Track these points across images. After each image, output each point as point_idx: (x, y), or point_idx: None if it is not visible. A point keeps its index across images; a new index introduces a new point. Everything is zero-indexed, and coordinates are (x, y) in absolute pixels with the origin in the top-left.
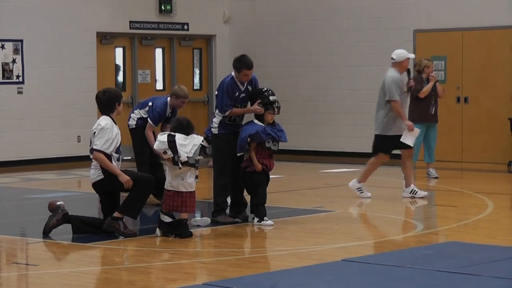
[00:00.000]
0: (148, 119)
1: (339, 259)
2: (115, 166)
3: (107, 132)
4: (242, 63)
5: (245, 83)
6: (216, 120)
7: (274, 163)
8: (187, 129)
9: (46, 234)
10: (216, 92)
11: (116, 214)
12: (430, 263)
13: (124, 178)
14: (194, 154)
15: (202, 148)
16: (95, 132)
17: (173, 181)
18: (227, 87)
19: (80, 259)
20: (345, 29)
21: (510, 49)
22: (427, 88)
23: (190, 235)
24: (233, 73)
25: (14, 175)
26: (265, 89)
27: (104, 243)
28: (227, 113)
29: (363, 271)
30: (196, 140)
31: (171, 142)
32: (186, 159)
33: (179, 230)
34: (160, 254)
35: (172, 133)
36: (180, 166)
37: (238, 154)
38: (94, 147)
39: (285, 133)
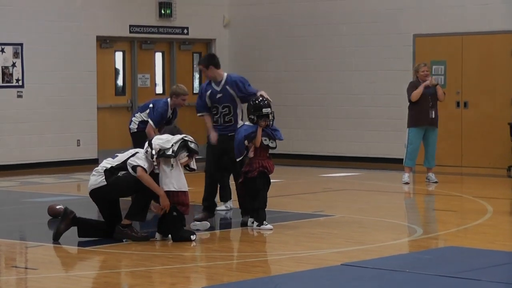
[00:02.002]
0: (149, 119)
1: (338, 264)
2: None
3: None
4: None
5: (221, 83)
6: None
7: (274, 166)
8: (174, 134)
9: (56, 239)
10: None
11: (124, 221)
12: (429, 268)
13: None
14: (171, 146)
15: (183, 142)
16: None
17: (164, 180)
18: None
19: (79, 263)
20: (345, 33)
21: (509, 54)
22: (416, 92)
23: (189, 238)
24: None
25: (13, 179)
26: (261, 99)
27: (104, 247)
28: (199, 115)
29: (362, 276)
30: (178, 136)
31: (150, 141)
32: (158, 148)
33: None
34: (160, 258)
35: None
36: (154, 158)
37: (238, 159)
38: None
39: (280, 132)
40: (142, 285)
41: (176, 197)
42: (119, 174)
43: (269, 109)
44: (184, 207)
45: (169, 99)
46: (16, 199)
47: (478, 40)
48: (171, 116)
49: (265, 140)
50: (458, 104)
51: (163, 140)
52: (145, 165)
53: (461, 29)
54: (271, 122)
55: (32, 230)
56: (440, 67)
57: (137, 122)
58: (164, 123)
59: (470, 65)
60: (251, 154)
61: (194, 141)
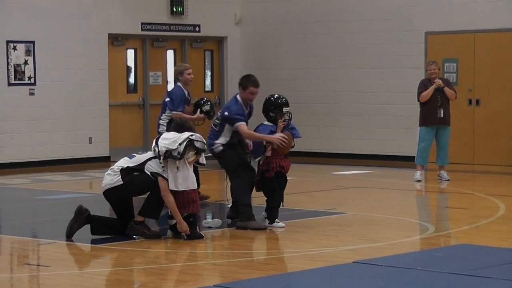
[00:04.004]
0: (172, 111)
1: (350, 261)
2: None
3: None
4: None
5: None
6: None
7: (290, 164)
8: (182, 129)
9: (69, 237)
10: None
11: (137, 217)
12: (441, 265)
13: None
14: (178, 147)
15: (189, 142)
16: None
17: (173, 181)
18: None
19: (92, 260)
20: (356, 31)
21: None
22: (426, 93)
23: (201, 236)
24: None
25: (25, 176)
26: (277, 96)
27: (116, 245)
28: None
29: (374, 273)
30: (184, 135)
31: (157, 139)
32: (164, 150)
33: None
34: (171, 256)
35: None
36: (161, 159)
37: (256, 160)
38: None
39: (297, 129)
40: (154, 282)
41: (185, 196)
42: (134, 174)
43: (289, 108)
44: (195, 205)
45: (179, 83)
46: (28, 197)
47: (490, 37)
48: (189, 97)
49: None
50: (470, 101)
51: (170, 141)
52: (164, 173)
53: (473, 27)
54: (289, 121)
55: (44, 228)
56: (452, 65)
57: (165, 124)
58: (188, 105)
59: (482, 62)
60: (268, 153)
61: (200, 139)
